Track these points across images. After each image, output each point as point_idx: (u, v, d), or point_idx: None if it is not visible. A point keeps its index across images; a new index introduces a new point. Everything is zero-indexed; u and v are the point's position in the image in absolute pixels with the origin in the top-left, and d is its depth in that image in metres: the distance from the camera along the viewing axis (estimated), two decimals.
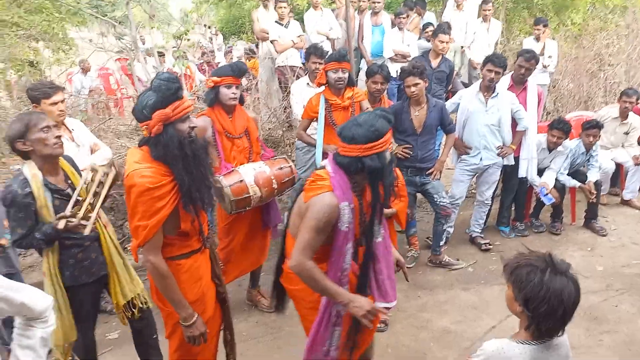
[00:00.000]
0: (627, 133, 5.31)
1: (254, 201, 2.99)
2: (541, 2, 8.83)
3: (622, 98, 5.18)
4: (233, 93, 3.06)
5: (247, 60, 9.87)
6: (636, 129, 5.27)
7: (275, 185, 3.04)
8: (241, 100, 3.23)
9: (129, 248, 4.62)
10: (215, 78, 3.03)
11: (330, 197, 2.01)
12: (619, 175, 5.59)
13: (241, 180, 2.91)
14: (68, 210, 2.30)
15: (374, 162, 2.00)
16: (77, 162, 2.69)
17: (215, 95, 3.08)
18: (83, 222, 2.30)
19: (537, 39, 6.59)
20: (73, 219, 2.28)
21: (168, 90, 1.94)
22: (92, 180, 2.40)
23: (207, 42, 12.38)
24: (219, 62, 10.34)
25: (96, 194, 2.39)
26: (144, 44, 9.97)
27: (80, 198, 2.37)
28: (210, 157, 2.27)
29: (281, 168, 3.11)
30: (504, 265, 1.65)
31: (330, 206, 2.00)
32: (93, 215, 2.35)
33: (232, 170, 3.00)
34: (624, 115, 5.23)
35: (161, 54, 8.82)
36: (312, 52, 4.34)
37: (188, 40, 5.01)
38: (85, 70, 8.68)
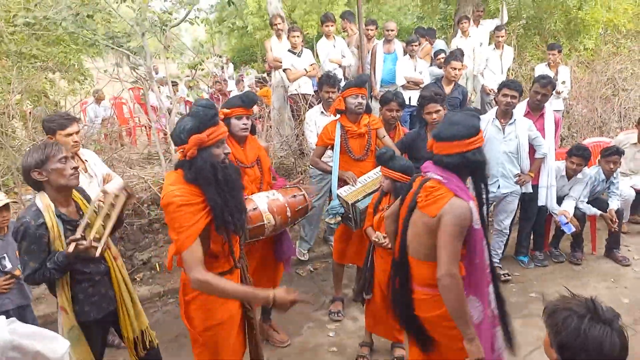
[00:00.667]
0: None
1: (267, 230, 2.91)
2: (553, 28, 8.85)
3: None
4: (244, 124, 3.02)
5: (259, 89, 9.98)
6: None
7: (289, 214, 2.96)
8: (253, 130, 3.19)
9: (138, 279, 4.58)
10: (225, 110, 2.99)
11: (459, 200, 2.02)
12: (639, 202, 5.45)
13: (255, 208, 2.84)
14: (78, 233, 2.25)
15: (476, 156, 2.07)
16: (90, 193, 2.67)
17: (227, 126, 3.05)
18: (94, 244, 2.26)
19: (550, 65, 6.54)
20: (83, 242, 2.24)
21: (205, 116, 2.02)
22: (102, 203, 2.37)
23: (219, 71, 12.58)
24: (231, 91, 10.46)
25: (107, 218, 2.35)
26: (156, 73, 10.13)
27: (90, 222, 2.33)
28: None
29: (294, 196, 3.05)
30: (544, 307, 1.55)
31: (465, 208, 2.02)
32: (104, 237, 2.30)
33: (246, 199, 2.94)
34: None
35: (174, 84, 8.95)
36: (325, 81, 4.33)
37: (202, 70, 5.03)
38: (99, 100, 8.80)
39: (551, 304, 1.53)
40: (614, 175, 4.65)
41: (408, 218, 2.22)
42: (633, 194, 5.19)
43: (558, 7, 8.76)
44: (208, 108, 2.05)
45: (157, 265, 4.72)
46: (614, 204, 4.63)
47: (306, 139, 4.83)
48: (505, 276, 4.44)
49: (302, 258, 4.86)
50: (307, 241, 4.88)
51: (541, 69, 6.71)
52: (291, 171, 5.74)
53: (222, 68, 14.91)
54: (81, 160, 3.31)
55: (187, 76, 5.69)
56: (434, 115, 3.74)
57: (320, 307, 4.14)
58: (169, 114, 5.10)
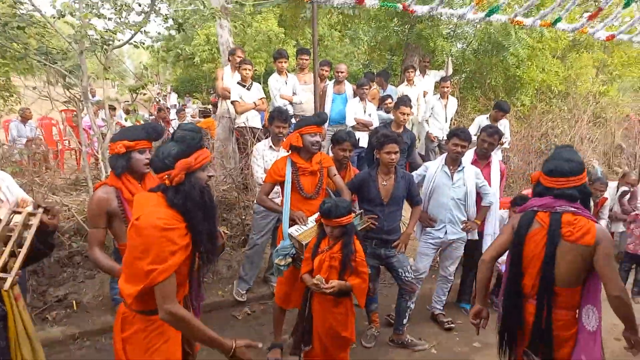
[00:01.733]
0: None
1: None
2: (493, 83, 9.38)
3: None
4: (147, 158, 2.68)
5: (201, 119, 9.72)
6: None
7: None
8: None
9: (50, 318, 4.05)
10: (127, 142, 2.62)
11: (600, 226, 2.33)
12: None
13: None
14: None
15: (587, 189, 2.40)
16: None
17: (127, 161, 2.65)
18: (1, 275, 1.91)
19: (490, 118, 6.80)
20: None
21: (192, 140, 1.98)
22: (13, 225, 2.01)
23: (162, 98, 12.20)
24: (173, 119, 10.10)
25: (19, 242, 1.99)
26: (93, 97, 9.60)
27: None
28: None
29: None
30: None
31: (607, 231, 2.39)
32: (15, 266, 1.94)
33: None
34: None
35: (112, 107, 8.47)
36: (277, 116, 4.18)
37: (144, 94, 4.73)
38: (25, 119, 8.12)
39: None
40: None
41: (552, 254, 2.35)
42: None
43: (498, 65, 9.32)
44: (195, 132, 2.00)
45: (75, 304, 4.22)
46: None
47: (252, 173, 4.61)
48: (448, 324, 4.35)
49: (240, 299, 4.55)
50: (247, 281, 4.58)
51: (481, 121, 6.98)
52: (234, 206, 5.47)
53: (165, 96, 14.52)
54: None
55: (126, 101, 5.36)
56: (393, 156, 3.67)
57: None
58: (103, 138, 4.71)
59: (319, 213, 2.96)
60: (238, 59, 6.20)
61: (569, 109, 8.67)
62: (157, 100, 4.95)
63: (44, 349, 3.72)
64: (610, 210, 5.81)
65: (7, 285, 1.92)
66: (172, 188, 1.96)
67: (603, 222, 5.59)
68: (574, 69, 9.69)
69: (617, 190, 5.95)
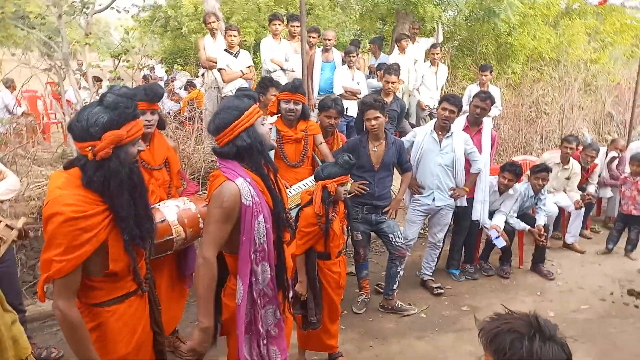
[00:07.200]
0: (568, 178, 5.42)
1: (176, 244, 2.58)
2: (484, 51, 9.26)
3: (563, 144, 5.31)
4: (147, 120, 2.63)
5: (187, 92, 9.54)
6: (577, 174, 5.40)
7: (201, 225, 2.64)
8: (161, 126, 2.82)
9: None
10: None
11: (227, 185, 1.97)
12: (560, 218, 5.68)
13: (163, 220, 2.49)
14: None
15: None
16: None
17: None
18: None
19: (482, 84, 6.75)
20: None
21: (127, 109, 1.69)
22: None
23: (149, 71, 11.96)
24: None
25: None
26: (80, 67, 9.34)
27: None
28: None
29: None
30: (480, 329, 1.39)
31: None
32: None
33: (152, 208, 2.60)
34: (565, 160, 5.35)
35: (99, 79, 8.27)
36: (260, 84, 4.13)
37: (128, 61, 4.60)
38: (12, 90, 7.90)
39: (489, 325, 1.36)
40: (542, 191, 4.78)
41: None
42: (556, 210, 5.39)
43: (490, 32, 9.19)
44: (129, 99, 1.72)
45: None
46: (541, 220, 4.75)
47: None
48: (438, 289, 4.39)
49: None
50: None
51: (472, 89, 6.91)
52: None
53: (153, 68, 14.23)
54: None
55: (110, 71, 5.22)
56: (373, 122, 3.64)
57: None
58: None
59: (329, 175, 2.83)
60: (212, 25, 6.01)
61: (559, 77, 8.60)
62: (144, 72, 4.79)
63: (36, 323, 3.75)
64: (599, 176, 5.84)
65: None
66: (94, 163, 1.67)
67: (592, 188, 5.61)
68: (566, 36, 9.59)
69: (606, 156, 5.97)
